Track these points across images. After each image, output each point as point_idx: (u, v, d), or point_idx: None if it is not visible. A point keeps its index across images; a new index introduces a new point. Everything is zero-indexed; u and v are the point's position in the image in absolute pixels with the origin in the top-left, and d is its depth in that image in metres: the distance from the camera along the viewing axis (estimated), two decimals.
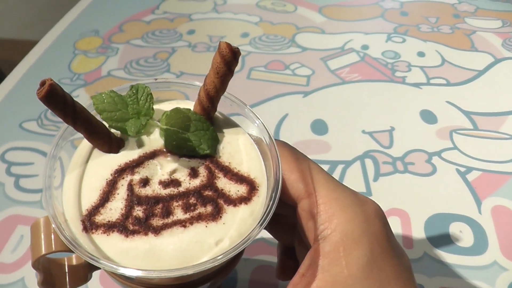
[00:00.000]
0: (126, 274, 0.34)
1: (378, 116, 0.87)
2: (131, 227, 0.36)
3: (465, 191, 0.73)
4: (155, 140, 0.41)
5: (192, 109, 0.41)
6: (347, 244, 0.37)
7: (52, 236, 0.39)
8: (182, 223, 0.37)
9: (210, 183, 0.39)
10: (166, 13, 1.21)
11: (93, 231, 0.36)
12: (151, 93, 0.41)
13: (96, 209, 0.37)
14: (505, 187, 0.73)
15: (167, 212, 0.37)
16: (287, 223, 0.46)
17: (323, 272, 0.37)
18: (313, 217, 0.39)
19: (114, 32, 1.13)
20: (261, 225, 0.36)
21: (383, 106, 0.90)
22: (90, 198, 0.38)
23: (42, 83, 0.35)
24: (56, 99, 0.35)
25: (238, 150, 0.42)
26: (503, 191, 0.73)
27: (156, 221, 0.36)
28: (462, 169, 0.76)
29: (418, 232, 0.67)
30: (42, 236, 0.39)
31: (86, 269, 0.47)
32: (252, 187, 0.39)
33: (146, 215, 0.37)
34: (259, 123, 0.42)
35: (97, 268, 0.44)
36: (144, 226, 0.36)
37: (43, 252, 0.39)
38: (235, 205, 0.38)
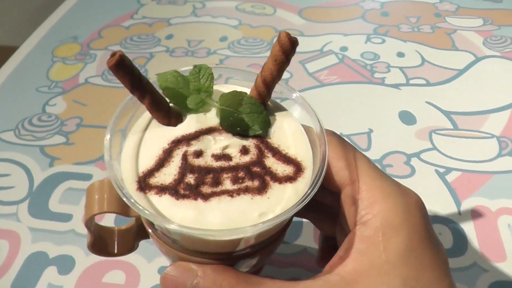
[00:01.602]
0: (177, 230, 0.36)
1: (356, 118, 0.87)
2: (182, 192, 0.38)
3: (445, 192, 0.72)
4: (211, 118, 0.43)
5: (248, 93, 0.44)
6: (386, 230, 0.38)
7: (106, 197, 0.42)
8: (230, 193, 0.39)
9: (259, 161, 0.41)
10: (145, 18, 1.20)
11: (147, 191, 0.39)
12: (212, 73, 0.43)
13: (151, 172, 0.40)
14: (486, 187, 0.73)
15: (217, 182, 0.39)
16: (329, 213, 0.48)
17: (361, 256, 0.38)
18: (355, 203, 0.41)
19: (93, 38, 1.12)
20: (303, 200, 0.37)
21: (362, 108, 0.89)
22: (146, 163, 0.41)
23: (113, 54, 0.37)
24: (125, 69, 0.39)
25: (288, 135, 0.44)
26: (484, 191, 0.72)
27: (206, 189, 0.39)
28: (442, 170, 0.75)
29: None
30: (96, 197, 0.42)
31: (134, 238, 0.50)
32: (298, 168, 0.41)
33: (197, 183, 0.39)
34: (310, 112, 0.44)
35: (145, 237, 0.49)
36: (194, 192, 0.38)
37: (96, 211, 0.42)
38: (280, 182, 0.40)
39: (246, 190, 0.39)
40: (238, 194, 0.39)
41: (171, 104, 0.43)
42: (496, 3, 1.24)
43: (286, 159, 0.42)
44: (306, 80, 0.96)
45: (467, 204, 0.70)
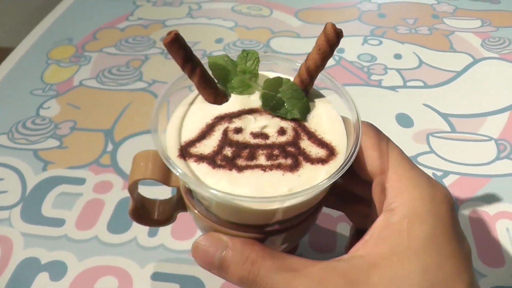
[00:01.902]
0: (211, 193, 0.38)
1: None
2: (218, 162, 0.42)
3: None
4: (255, 100, 0.47)
5: (292, 80, 0.47)
6: (412, 219, 0.40)
7: (150, 165, 0.46)
8: (263, 168, 0.41)
9: (294, 142, 0.43)
10: (140, 19, 1.20)
11: (187, 158, 0.42)
12: (258, 58, 0.46)
13: (192, 143, 0.43)
14: (484, 190, 0.72)
15: (252, 157, 0.42)
16: (363, 205, 0.50)
17: (385, 241, 0.40)
18: (385, 192, 0.43)
19: (88, 40, 1.11)
20: (332, 178, 0.39)
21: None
22: (189, 134, 0.44)
23: (169, 33, 0.41)
24: (179, 46, 0.42)
25: (325, 121, 0.46)
26: (482, 195, 0.71)
27: (241, 162, 0.42)
28: (439, 173, 0.74)
29: None
30: (141, 164, 0.46)
31: (173, 209, 0.54)
32: (331, 152, 0.43)
33: (233, 156, 0.42)
34: (350, 103, 0.46)
35: (183, 209, 0.52)
36: (230, 164, 0.41)
37: (140, 177, 0.46)
38: (312, 163, 0.42)
39: (279, 166, 0.41)
40: (271, 169, 0.41)
41: (218, 85, 0.47)
42: (494, 4, 1.23)
43: (321, 143, 0.44)
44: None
45: (465, 208, 0.69)
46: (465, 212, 0.68)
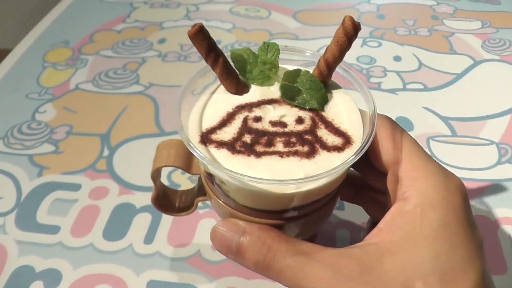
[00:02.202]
0: (230, 176, 0.41)
1: None
2: (238, 148, 0.44)
3: None
4: (274, 92, 0.49)
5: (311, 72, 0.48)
6: (425, 206, 0.41)
7: (172, 153, 0.49)
8: (280, 154, 0.43)
9: (311, 130, 0.45)
10: (137, 21, 1.19)
11: (207, 144, 0.44)
12: (278, 49, 0.48)
13: (213, 130, 0.46)
14: (485, 195, 0.71)
15: (270, 143, 0.44)
16: (380, 199, 0.51)
17: (398, 228, 0.41)
18: (400, 181, 0.44)
19: (85, 42, 1.11)
20: (347, 163, 0.41)
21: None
22: (210, 122, 0.46)
23: (194, 26, 0.43)
24: (203, 37, 0.43)
25: (343, 112, 0.47)
26: (484, 200, 0.70)
27: (259, 148, 0.43)
28: None
29: None
30: (164, 152, 0.49)
31: (194, 197, 0.56)
32: (347, 140, 0.45)
33: (252, 142, 0.44)
34: (367, 94, 0.47)
35: (204, 197, 0.55)
36: (249, 150, 0.43)
37: (163, 164, 0.49)
38: (329, 151, 0.44)
39: (296, 153, 0.43)
40: (288, 156, 0.43)
41: (240, 76, 0.49)
42: (494, 5, 1.22)
43: (337, 132, 0.45)
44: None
45: None
46: None
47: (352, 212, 0.68)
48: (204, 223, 0.67)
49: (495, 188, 0.72)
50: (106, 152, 0.79)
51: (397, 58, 1.02)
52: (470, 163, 0.76)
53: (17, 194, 0.73)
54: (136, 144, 0.81)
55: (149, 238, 0.66)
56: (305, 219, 0.48)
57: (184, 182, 0.74)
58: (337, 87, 0.50)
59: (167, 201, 0.57)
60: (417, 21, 1.16)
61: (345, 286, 0.38)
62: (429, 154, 0.76)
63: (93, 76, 0.98)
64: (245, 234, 0.43)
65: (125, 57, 1.04)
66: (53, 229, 0.68)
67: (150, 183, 0.69)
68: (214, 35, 1.09)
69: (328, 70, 0.47)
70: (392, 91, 0.92)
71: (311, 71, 0.49)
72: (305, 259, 0.40)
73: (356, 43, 1.03)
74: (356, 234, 0.66)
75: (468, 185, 0.72)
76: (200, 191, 0.55)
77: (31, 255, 0.65)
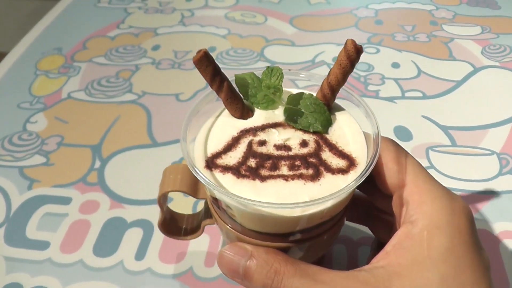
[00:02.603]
0: (235, 200, 0.41)
1: None
2: (243, 172, 0.44)
3: None
4: (279, 115, 0.49)
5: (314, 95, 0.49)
6: (431, 230, 0.41)
7: (179, 178, 0.50)
8: (285, 177, 0.43)
9: (316, 153, 0.46)
10: (131, 27, 1.17)
11: (213, 169, 0.45)
12: (282, 73, 0.49)
13: (219, 154, 0.46)
14: (486, 208, 0.69)
15: (275, 167, 0.44)
16: (386, 220, 0.52)
17: (405, 251, 0.41)
18: (405, 205, 0.44)
19: (78, 49, 1.09)
20: (351, 186, 0.41)
21: None
22: (215, 146, 0.47)
23: (198, 51, 0.43)
24: (208, 64, 0.44)
25: (347, 134, 0.48)
26: (486, 214, 0.68)
27: (264, 172, 0.44)
28: None
29: None
30: (171, 177, 0.50)
31: (200, 221, 0.57)
32: (351, 163, 0.45)
33: (257, 166, 0.44)
34: (371, 116, 0.48)
35: (210, 221, 0.55)
36: (254, 174, 0.44)
37: (169, 189, 0.49)
38: (333, 173, 0.44)
39: (300, 176, 0.44)
40: (293, 179, 0.43)
41: (244, 101, 0.50)
42: (494, 10, 1.20)
43: (342, 154, 0.46)
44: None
45: None
46: None
47: (348, 228, 0.66)
48: (197, 238, 0.65)
49: (496, 200, 0.70)
50: (97, 164, 0.78)
51: (396, 65, 1.00)
52: (470, 174, 0.74)
53: (6, 208, 0.71)
54: (128, 156, 0.79)
55: (140, 254, 0.64)
56: (311, 242, 0.48)
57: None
58: (340, 109, 0.51)
59: (174, 225, 0.57)
60: (416, 27, 1.14)
61: None
62: (429, 164, 0.75)
63: (85, 85, 0.97)
64: (252, 257, 0.43)
65: (118, 64, 1.03)
66: (43, 245, 0.66)
67: (142, 197, 0.68)
68: (209, 41, 1.09)
69: (331, 93, 0.47)
70: (391, 99, 0.90)
71: (314, 94, 0.49)
72: (312, 282, 0.41)
73: None
74: (352, 250, 0.64)
75: (469, 198, 0.70)
76: (206, 215, 0.56)
77: (20, 272, 0.63)
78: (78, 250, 0.65)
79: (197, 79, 0.93)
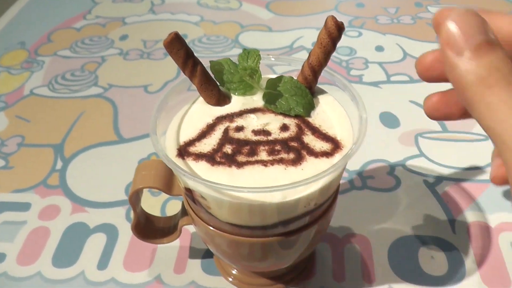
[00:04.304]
0: (207, 186, 0.38)
1: None
2: (218, 159, 0.42)
3: (436, 206, 0.64)
4: (257, 101, 0.47)
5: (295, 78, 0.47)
6: None
7: (152, 174, 0.48)
8: (264, 163, 0.41)
9: (297, 137, 0.43)
10: (98, 17, 1.13)
11: (185, 157, 0.43)
12: (259, 55, 0.46)
13: (192, 142, 0.44)
14: (483, 198, 0.65)
15: (253, 153, 0.42)
16: None
17: None
18: None
19: (42, 43, 1.04)
20: (335, 169, 0.38)
21: None
22: (189, 134, 0.45)
23: (169, 34, 0.41)
24: (180, 46, 0.42)
25: (331, 117, 0.46)
26: (481, 204, 0.64)
27: (241, 158, 0.42)
28: (431, 180, 0.67)
29: (381, 261, 0.58)
30: (144, 173, 0.48)
31: (177, 223, 0.54)
32: (336, 146, 0.43)
33: (234, 152, 0.42)
34: (356, 98, 0.45)
35: (187, 221, 0.52)
36: (230, 160, 0.41)
37: (141, 185, 0.47)
38: (316, 157, 0.42)
39: (281, 161, 0.41)
40: (272, 164, 0.41)
41: (221, 88, 0.48)
42: None
43: (325, 137, 0.44)
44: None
45: (462, 220, 0.62)
46: (463, 225, 0.61)
47: (332, 225, 0.62)
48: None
49: (493, 189, 0.66)
50: (59, 165, 0.72)
51: (379, 48, 0.97)
52: (464, 161, 0.70)
53: None
54: (92, 154, 0.75)
55: (103, 262, 0.59)
56: (295, 236, 0.45)
57: None
58: (324, 92, 0.49)
59: (149, 227, 0.55)
60: (399, 9, 1.11)
61: None
62: (419, 152, 0.70)
63: (49, 80, 0.92)
64: (491, 44, 0.30)
65: (83, 57, 0.98)
66: None
67: (106, 199, 0.62)
68: (181, 29, 1.03)
69: (313, 75, 0.45)
70: (375, 84, 0.87)
71: (295, 78, 0.47)
72: None
73: None
74: (337, 248, 0.59)
75: (463, 187, 0.66)
76: (184, 215, 0.53)
77: None
78: (36, 261, 0.59)
79: (167, 69, 0.90)
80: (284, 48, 0.97)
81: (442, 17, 0.31)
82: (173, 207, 0.64)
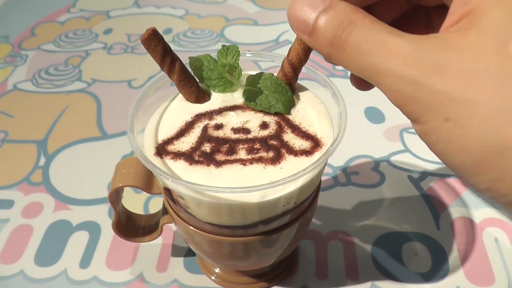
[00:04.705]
0: (188, 187, 0.37)
1: None
2: (196, 158, 0.41)
3: (420, 202, 0.64)
4: (237, 98, 0.47)
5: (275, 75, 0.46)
6: None
7: (132, 172, 0.47)
8: (243, 162, 0.41)
9: (277, 135, 0.43)
10: (82, 11, 1.12)
11: (163, 156, 0.42)
12: (239, 51, 0.46)
13: (170, 140, 0.43)
14: (468, 194, 0.65)
15: (232, 151, 0.42)
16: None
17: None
18: None
19: (26, 36, 1.03)
20: (313, 168, 0.38)
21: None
22: (167, 132, 0.44)
23: (147, 30, 0.41)
24: (157, 43, 0.41)
25: (311, 114, 0.45)
26: (465, 200, 0.64)
27: (220, 157, 0.41)
28: (416, 176, 0.67)
29: (364, 258, 0.57)
30: (124, 171, 0.48)
31: (159, 221, 0.53)
32: (316, 144, 0.42)
33: (212, 151, 0.42)
34: (336, 94, 0.44)
35: (168, 220, 0.52)
36: (208, 159, 0.41)
37: (121, 183, 0.47)
38: (296, 155, 0.41)
39: (260, 160, 0.41)
40: (251, 163, 0.41)
41: (200, 84, 0.47)
42: None
43: (305, 135, 0.43)
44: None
45: (447, 215, 0.62)
46: (447, 220, 0.61)
47: (315, 222, 0.61)
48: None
49: None
50: (42, 161, 0.72)
51: None
52: None
53: None
54: (75, 150, 0.74)
55: (85, 261, 0.58)
56: (276, 235, 0.45)
57: None
58: (304, 89, 0.48)
59: (130, 226, 0.54)
60: None
61: (426, 61, 0.31)
62: (404, 148, 0.70)
63: (32, 74, 0.91)
64: (329, 8, 0.35)
65: (67, 51, 0.97)
66: None
67: (89, 196, 0.62)
68: (165, 22, 1.03)
69: (293, 72, 0.44)
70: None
71: (275, 74, 0.46)
72: (385, 34, 0.33)
73: None
74: (320, 245, 0.59)
75: (448, 182, 0.66)
76: (165, 213, 0.53)
77: None
78: (18, 259, 0.59)
79: (151, 64, 0.85)
80: (269, 42, 0.96)
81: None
82: (156, 204, 0.64)
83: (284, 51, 0.89)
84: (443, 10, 0.37)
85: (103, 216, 0.62)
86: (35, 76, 0.90)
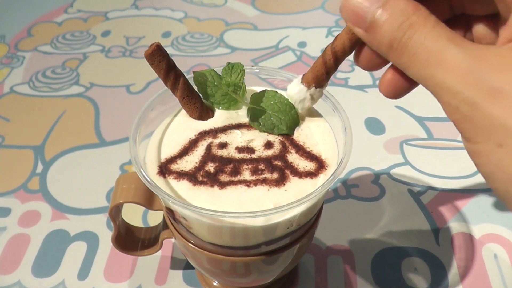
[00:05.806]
0: (192, 210, 0.37)
1: None
2: (200, 178, 0.41)
3: (420, 216, 0.63)
4: (242, 116, 0.46)
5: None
6: None
7: (132, 187, 0.46)
8: (247, 183, 0.40)
9: (281, 155, 0.43)
10: (80, 11, 1.11)
11: (166, 175, 0.42)
12: (243, 70, 0.45)
13: (173, 159, 0.43)
14: (467, 209, 0.64)
15: (236, 172, 0.41)
16: None
17: None
18: None
19: (22, 37, 1.03)
20: (317, 193, 0.37)
21: None
22: (171, 150, 0.44)
23: (151, 45, 0.41)
24: (161, 58, 0.41)
25: (316, 134, 0.45)
26: (465, 215, 0.63)
27: (224, 178, 0.41)
28: (416, 189, 0.67)
29: (364, 273, 0.57)
30: (124, 187, 0.47)
31: (159, 236, 0.53)
32: (321, 165, 0.42)
33: (216, 171, 0.41)
34: (343, 117, 0.44)
35: (168, 235, 0.51)
36: (212, 180, 0.41)
37: (121, 200, 0.46)
38: (300, 177, 0.41)
39: (264, 181, 0.41)
40: (255, 184, 0.40)
41: (204, 101, 0.47)
42: None
43: (310, 156, 0.43)
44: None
45: (447, 231, 0.62)
46: (447, 236, 0.61)
47: (316, 235, 0.61)
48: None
49: (478, 200, 0.65)
50: (39, 168, 0.71)
51: None
52: (450, 170, 0.70)
53: None
54: (73, 158, 0.73)
55: (83, 272, 0.58)
56: (277, 255, 0.44)
57: None
58: (309, 109, 0.47)
59: (129, 239, 0.53)
60: None
61: (484, 83, 0.30)
62: (404, 160, 0.70)
63: (29, 77, 0.90)
64: (387, 5, 0.34)
65: (65, 53, 0.97)
66: None
67: (87, 205, 0.62)
68: (164, 25, 1.03)
69: (334, 61, 0.40)
70: (361, 87, 0.86)
71: (288, 89, 0.45)
72: (446, 43, 0.32)
73: (321, 33, 0.98)
74: (320, 259, 0.59)
75: (448, 196, 0.66)
76: (165, 228, 0.52)
77: None
78: (15, 270, 0.59)
79: (150, 68, 0.86)
80: (269, 48, 0.95)
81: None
82: (156, 215, 0.63)
83: (284, 57, 0.90)
84: (488, 20, 0.38)
85: (101, 226, 0.62)
86: (32, 78, 0.89)
